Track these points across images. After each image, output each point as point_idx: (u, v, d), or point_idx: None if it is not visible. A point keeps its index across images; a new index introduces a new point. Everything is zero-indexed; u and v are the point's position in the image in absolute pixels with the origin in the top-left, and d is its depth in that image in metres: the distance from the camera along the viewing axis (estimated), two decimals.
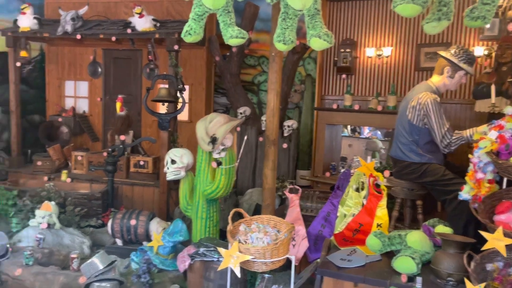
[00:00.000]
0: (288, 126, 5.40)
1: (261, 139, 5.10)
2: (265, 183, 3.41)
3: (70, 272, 3.37)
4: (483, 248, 2.29)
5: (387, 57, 5.23)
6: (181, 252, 3.27)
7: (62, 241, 3.95)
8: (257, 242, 2.61)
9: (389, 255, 2.66)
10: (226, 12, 2.84)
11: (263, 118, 5.36)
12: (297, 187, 3.71)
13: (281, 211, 3.85)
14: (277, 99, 3.32)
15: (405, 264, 2.44)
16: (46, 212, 4.01)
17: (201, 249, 3.10)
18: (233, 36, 2.83)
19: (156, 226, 3.85)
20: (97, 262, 3.11)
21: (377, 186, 3.04)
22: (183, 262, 3.16)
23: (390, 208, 3.19)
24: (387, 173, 3.15)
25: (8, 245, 3.56)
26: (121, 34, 5.11)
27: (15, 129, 5.75)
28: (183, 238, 3.52)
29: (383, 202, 2.97)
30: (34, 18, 5.44)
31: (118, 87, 6.15)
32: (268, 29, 3.31)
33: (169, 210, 4.92)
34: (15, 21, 5.54)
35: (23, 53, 5.52)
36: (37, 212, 4.04)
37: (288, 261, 2.67)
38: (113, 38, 5.10)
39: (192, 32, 2.84)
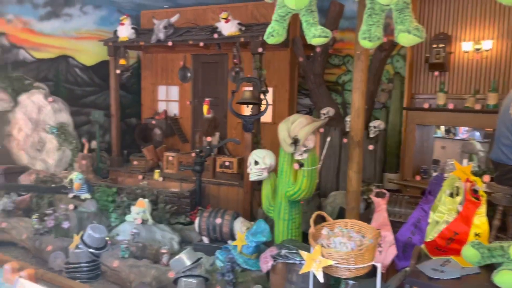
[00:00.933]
0: (375, 127, 5.18)
1: (345, 140, 4.96)
2: (350, 186, 3.30)
3: (160, 266, 3.57)
4: None
5: (487, 51, 4.77)
6: (263, 253, 3.29)
7: (154, 236, 4.20)
8: (340, 247, 2.52)
9: (489, 268, 2.41)
10: (309, 11, 2.79)
11: (348, 118, 5.21)
12: (384, 191, 3.53)
13: (366, 215, 3.69)
14: (362, 99, 3.20)
15: (509, 280, 2.19)
16: (141, 208, 4.30)
17: (283, 251, 3.08)
18: (316, 35, 2.78)
19: (240, 226, 3.92)
20: (185, 258, 3.24)
21: (475, 192, 2.77)
22: (265, 262, 3.17)
23: (490, 216, 2.89)
24: (486, 178, 2.87)
25: (107, 238, 3.86)
26: (209, 40, 5.31)
27: (115, 131, 6.26)
28: (265, 239, 3.54)
29: (482, 209, 2.70)
30: (132, 28, 5.89)
31: (205, 91, 6.41)
32: (353, 27, 3.19)
33: (252, 210, 4.99)
34: (115, 31, 6.04)
35: (122, 61, 6.00)
36: (132, 208, 4.35)
37: (374, 268, 2.55)
38: (201, 44, 5.32)
39: (274, 33, 2.84)
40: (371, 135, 5.18)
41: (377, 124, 5.20)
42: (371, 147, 4.63)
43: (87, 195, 4.67)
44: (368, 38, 2.62)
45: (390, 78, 5.90)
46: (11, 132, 5.59)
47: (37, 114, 5.67)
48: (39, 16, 6.08)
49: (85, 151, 5.83)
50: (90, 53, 6.65)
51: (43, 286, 1.21)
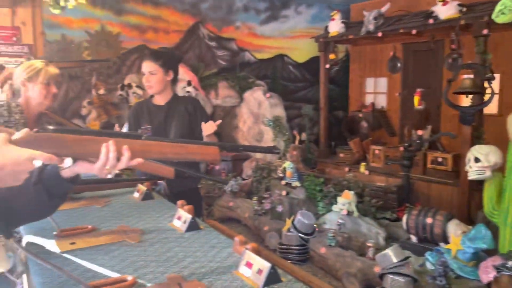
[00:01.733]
0: None
1: None
2: None
3: (366, 259, 3.56)
4: None
5: None
6: (484, 261, 2.92)
7: (360, 229, 4.22)
8: None
9: None
10: None
11: None
12: None
13: None
14: None
15: None
16: (346, 200, 4.38)
17: (510, 262, 2.67)
18: None
19: (454, 228, 3.58)
20: (392, 255, 3.14)
21: None
22: (486, 272, 2.81)
23: None
24: None
25: (315, 225, 4.07)
26: (422, 26, 4.96)
27: (323, 123, 6.53)
28: (486, 246, 3.13)
29: None
30: (342, 22, 5.99)
31: (416, 81, 6.04)
32: None
33: (470, 212, 4.48)
34: (326, 27, 6.26)
35: (331, 56, 6.19)
36: (338, 199, 4.47)
37: None
38: (413, 31, 5.01)
39: (506, 10, 2.46)
40: None
41: None
42: None
43: (298, 183, 5.01)
44: None
45: None
46: (238, 124, 6.47)
47: (257, 109, 6.39)
48: (260, 20, 6.81)
49: (296, 142, 6.26)
50: (302, 50, 7.09)
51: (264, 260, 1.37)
